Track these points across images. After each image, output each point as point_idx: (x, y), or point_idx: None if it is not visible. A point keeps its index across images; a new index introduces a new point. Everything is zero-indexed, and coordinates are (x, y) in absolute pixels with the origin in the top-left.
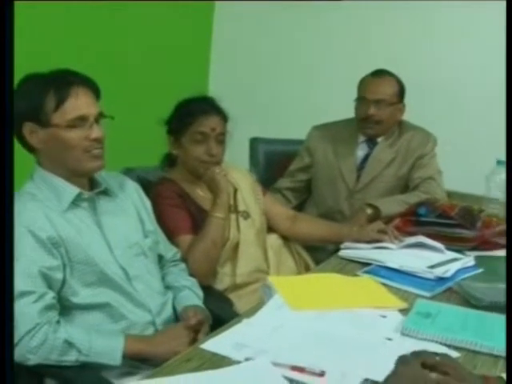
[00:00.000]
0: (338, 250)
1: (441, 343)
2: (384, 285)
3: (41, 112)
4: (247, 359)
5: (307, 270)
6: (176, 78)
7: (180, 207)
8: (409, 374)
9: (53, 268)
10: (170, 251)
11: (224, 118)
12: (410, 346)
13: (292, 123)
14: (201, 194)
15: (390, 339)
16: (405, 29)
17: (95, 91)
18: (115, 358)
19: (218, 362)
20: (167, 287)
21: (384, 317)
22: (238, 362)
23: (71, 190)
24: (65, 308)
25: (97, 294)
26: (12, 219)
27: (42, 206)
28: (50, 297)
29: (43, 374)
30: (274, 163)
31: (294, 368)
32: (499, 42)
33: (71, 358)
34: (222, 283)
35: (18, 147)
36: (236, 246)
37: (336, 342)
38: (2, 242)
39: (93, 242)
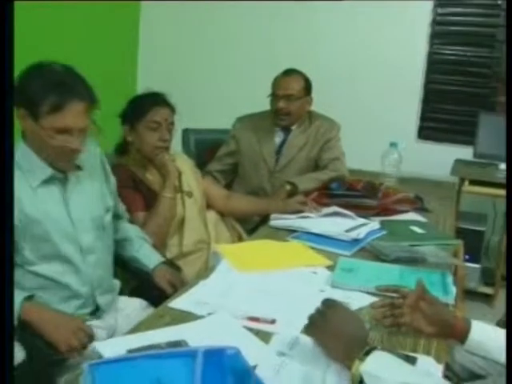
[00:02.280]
0: (262, 221)
1: (364, 291)
2: (310, 247)
3: (36, 108)
4: (209, 314)
5: (240, 239)
6: (107, 78)
7: (133, 188)
8: (340, 315)
9: None
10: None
11: (173, 110)
12: (339, 295)
13: (216, 115)
14: (150, 178)
15: (322, 291)
16: (311, 28)
17: (91, 103)
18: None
19: (186, 317)
20: (124, 239)
21: (315, 273)
22: (202, 317)
23: (45, 171)
24: (18, 273)
25: (48, 266)
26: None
27: (15, 181)
28: None
29: None
30: (203, 150)
31: (250, 319)
32: (394, 36)
33: None
34: (170, 252)
35: None
36: (182, 221)
37: (280, 296)
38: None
39: (56, 218)
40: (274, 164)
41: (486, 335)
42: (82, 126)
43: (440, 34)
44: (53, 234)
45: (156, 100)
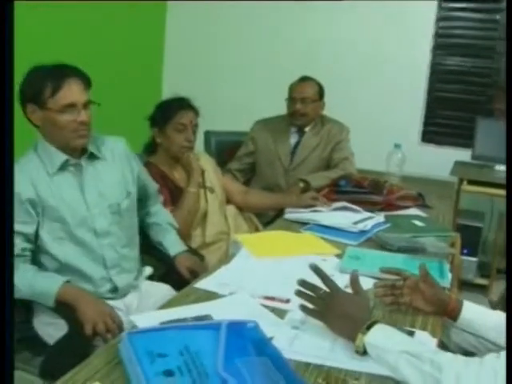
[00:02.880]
0: (276, 215)
1: (370, 277)
2: (321, 238)
3: (40, 97)
4: (231, 293)
5: (257, 231)
6: (133, 78)
7: (162, 185)
8: (341, 300)
9: (27, 222)
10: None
11: (197, 113)
12: (347, 280)
13: (234, 118)
14: (176, 175)
15: (332, 275)
16: (326, 36)
17: (86, 81)
18: (48, 300)
19: (210, 296)
20: (154, 223)
21: (325, 260)
22: (224, 296)
23: (60, 157)
24: (39, 254)
25: (63, 249)
26: (12, 218)
27: (32, 171)
28: (19, 248)
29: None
30: (223, 150)
31: (267, 298)
32: (401, 47)
33: (17, 296)
34: (194, 242)
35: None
36: (205, 214)
37: (293, 279)
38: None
39: (71, 203)
40: (289, 163)
41: (476, 314)
42: (83, 100)
43: (442, 45)
44: (67, 217)
45: (182, 104)
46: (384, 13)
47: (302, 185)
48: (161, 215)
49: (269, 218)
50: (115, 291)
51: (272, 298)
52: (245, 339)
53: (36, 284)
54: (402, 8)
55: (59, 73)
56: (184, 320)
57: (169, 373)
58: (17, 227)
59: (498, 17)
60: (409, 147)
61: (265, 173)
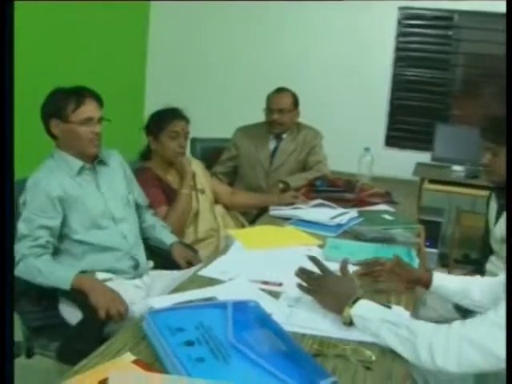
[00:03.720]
0: (258, 213)
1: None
2: (303, 231)
3: (63, 112)
4: (231, 279)
5: (243, 227)
6: (115, 78)
7: (157, 187)
8: (332, 280)
9: (51, 218)
10: (144, 202)
11: (188, 121)
12: (330, 265)
13: (217, 126)
14: (170, 178)
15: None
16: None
17: (100, 101)
18: (66, 284)
19: (212, 282)
20: (149, 226)
21: (310, 250)
22: (225, 282)
23: (78, 163)
24: (70, 242)
25: (90, 234)
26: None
27: (57, 174)
28: (43, 240)
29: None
30: (208, 156)
31: (263, 282)
32: (365, 60)
33: (39, 279)
34: (188, 239)
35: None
36: (196, 214)
37: (283, 266)
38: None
39: (92, 198)
40: (269, 166)
41: (445, 282)
42: (98, 115)
43: (402, 58)
44: (91, 209)
45: (174, 114)
46: (351, 29)
47: (281, 186)
48: (153, 219)
49: (252, 216)
50: (137, 267)
51: (266, 283)
52: (248, 315)
53: (56, 271)
54: (366, 25)
55: (79, 93)
56: (194, 301)
57: (189, 343)
58: (44, 221)
59: (450, 33)
60: (376, 151)
61: (247, 175)
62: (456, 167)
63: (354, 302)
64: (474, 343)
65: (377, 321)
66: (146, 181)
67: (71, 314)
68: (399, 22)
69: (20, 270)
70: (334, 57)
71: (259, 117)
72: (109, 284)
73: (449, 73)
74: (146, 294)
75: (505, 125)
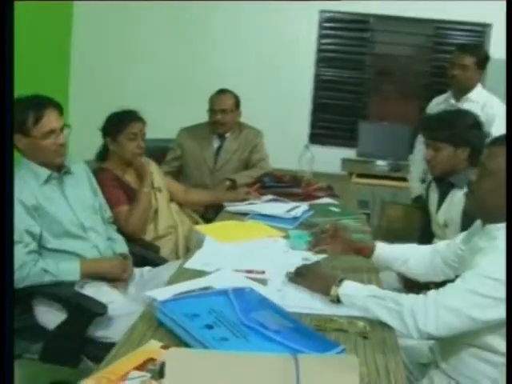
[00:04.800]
0: (205, 211)
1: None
2: (264, 224)
3: (24, 127)
4: (217, 270)
5: (197, 224)
6: (37, 80)
7: (117, 187)
8: (317, 267)
9: (32, 225)
10: (107, 213)
11: (144, 123)
12: (297, 253)
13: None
14: (128, 178)
15: (286, 251)
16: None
17: (60, 109)
18: (75, 276)
19: (200, 273)
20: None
21: (276, 241)
22: (212, 272)
23: (45, 172)
24: (44, 251)
25: (62, 242)
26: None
27: (27, 183)
28: (33, 245)
29: (35, 293)
30: (151, 156)
31: (247, 271)
32: (290, 62)
33: (47, 279)
34: (149, 236)
35: None
36: (155, 211)
37: (259, 256)
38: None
39: (60, 207)
40: (214, 165)
41: (386, 250)
42: (60, 125)
43: (323, 59)
44: (61, 217)
45: (132, 116)
46: (275, 32)
47: (228, 183)
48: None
49: (200, 214)
50: None
51: (251, 271)
52: (249, 299)
53: (60, 267)
54: (289, 27)
55: (38, 104)
56: (193, 291)
57: (209, 326)
58: (28, 228)
59: (366, 35)
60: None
61: (192, 174)
62: (379, 162)
63: (340, 281)
64: (449, 308)
65: (363, 297)
66: (106, 181)
67: (47, 317)
68: (320, 25)
69: (21, 276)
70: (259, 57)
71: (198, 116)
72: (86, 287)
73: (365, 73)
74: (122, 293)
75: (443, 123)
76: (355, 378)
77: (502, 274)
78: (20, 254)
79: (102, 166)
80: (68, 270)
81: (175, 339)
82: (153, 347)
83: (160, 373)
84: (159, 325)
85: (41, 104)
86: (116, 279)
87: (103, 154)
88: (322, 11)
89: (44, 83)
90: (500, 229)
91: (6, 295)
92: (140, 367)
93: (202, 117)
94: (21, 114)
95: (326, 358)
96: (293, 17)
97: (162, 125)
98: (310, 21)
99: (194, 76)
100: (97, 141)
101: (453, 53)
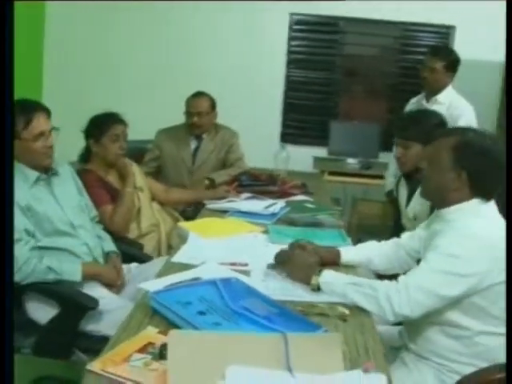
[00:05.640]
0: (183, 210)
1: None
2: (244, 221)
3: (14, 129)
4: (202, 263)
5: (178, 221)
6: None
7: (100, 187)
8: (298, 255)
9: (27, 224)
10: (92, 212)
11: (126, 125)
12: (278, 247)
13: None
14: (111, 179)
15: (267, 245)
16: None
17: (47, 112)
18: (77, 277)
19: (187, 266)
20: None
21: (256, 236)
22: (198, 265)
23: (33, 174)
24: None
25: (52, 240)
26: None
27: (18, 185)
28: (32, 242)
29: (26, 289)
30: (129, 157)
31: (231, 264)
32: (262, 63)
33: (51, 277)
34: (132, 234)
35: None
36: (138, 210)
37: (241, 250)
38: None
39: (50, 206)
40: (192, 165)
41: (349, 256)
42: (49, 128)
43: (294, 61)
44: (51, 216)
45: (114, 118)
46: (247, 34)
47: (207, 182)
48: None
49: (179, 212)
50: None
51: (234, 264)
52: (236, 288)
53: (63, 267)
54: (260, 31)
55: (27, 107)
56: (183, 282)
57: (201, 313)
58: (26, 227)
59: (335, 37)
60: (273, 147)
61: (170, 174)
62: (350, 160)
63: (320, 271)
64: (418, 289)
65: (342, 284)
66: (90, 182)
67: (38, 312)
68: (290, 27)
69: (26, 273)
70: (233, 60)
71: (173, 117)
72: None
73: (334, 73)
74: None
75: (411, 122)
76: (339, 352)
77: (460, 251)
78: (23, 250)
79: (85, 168)
80: (69, 271)
81: (170, 325)
82: (151, 333)
83: (160, 354)
84: (154, 313)
85: (30, 107)
86: (110, 285)
87: (86, 156)
88: (292, 14)
89: (16, 84)
90: (453, 212)
91: (5, 295)
92: (141, 350)
93: (179, 118)
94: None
95: (312, 336)
96: (264, 20)
97: (139, 126)
98: (280, 23)
99: (169, 78)
100: (72, 142)
101: (425, 56)
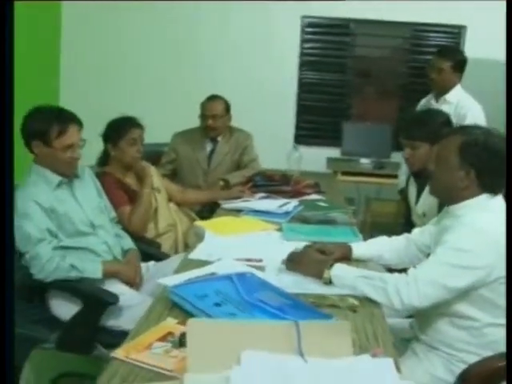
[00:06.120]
0: (201, 209)
1: (307, 241)
2: (258, 219)
3: (46, 136)
4: (218, 259)
5: (194, 221)
6: (28, 82)
7: (118, 189)
8: (310, 254)
9: (50, 225)
10: (111, 214)
11: (143, 128)
12: (292, 243)
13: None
14: (129, 181)
15: (281, 242)
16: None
17: (80, 125)
18: (97, 274)
19: (204, 263)
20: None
21: (270, 234)
22: (214, 262)
23: (56, 178)
24: (59, 250)
25: (74, 241)
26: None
27: (41, 188)
28: (55, 242)
29: (50, 287)
30: (148, 159)
31: (246, 260)
32: (276, 67)
33: (74, 274)
34: (150, 234)
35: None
36: (155, 211)
37: (256, 246)
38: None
39: (72, 208)
40: (207, 167)
41: (360, 252)
42: (79, 140)
43: (306, 63)
44: (73, 218)
45: (132, 123)
46: (261, 39)
47: (222, 183)
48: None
49: (195, 212)
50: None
51: (250, 260)
52: (250, 282)
53: (85, 265)
54: (273, 34)
55: (62, 117)
56: (201, 277)
57: (217, 304)
58: (49, 227)
59: (346, 39)
60: (287, 148)
61: (186, 176)
62: (363, 160)
63: (331, 265)
64: (427, 281)
65: (352, 277)
66: (109, 184)
67: (61, 309)
68: (302, 30)
69: (49, 271)
70: (247, 63)
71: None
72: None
73: (346, 75)
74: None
75: (418, 122)
76: (348, 339)
77: (468, 245)
78: (46, 249)
79: (104, 170)
80: (91, 270)
81: (188, 316)
82: (170, 323)
83: (180, 342)
84: (173, 306)
85: (66, 118)
86: (130, 282)
87: (104, 159)
88: (304, 17)
89: (34, 87)
90: (461, 207)
91: (5, 294)
92: (161, 339)
93: (194, 122)
94: (45, 123)
95: (322, 324)
96: (276, 23)
97: (155, 130)
98: (292, 26)
99: (184, 83)
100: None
101: (432, 56)
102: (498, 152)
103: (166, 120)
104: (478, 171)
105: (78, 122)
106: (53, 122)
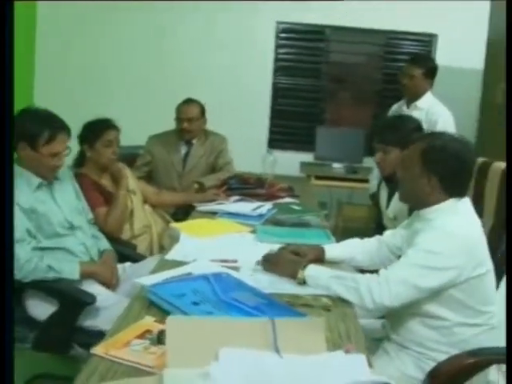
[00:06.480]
0: (175, 212)
1: (279, 243)
2: (233, 222)
3: (35, 141)
4: (194, 260)
5: (169, 223)
6: None
7: (94, 190)
8: (285, 255)
9: (29, 226)
10: (88, 215)
11: (119, 130)
12: (265, 245)
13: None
14: (104, 182)
15: (255, 244)
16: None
17: (69, 133)
18: (75, 275)
19: (180, 263)
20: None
21: (244, 236)
22: (190, 262)
23: (36, 180)
24: (37, 250)
25: (52, 242)
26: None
27: (21, 189)
28: (34, 242)
29: (27, 287)
30: (123, 161)
31: (221, 261)
32: (250, 71)
33: (51, 275)
34: (125, 235)
35: None
36: (131, 212)
37: (231, 247)
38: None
39: (50, 209)
40: (182, 169)
41: (332, 254)
42: (65, 148)
43: (281, 68)
44: (52, 219)
45: (108, 124)
46: (235, 44)
47: (196, 186)
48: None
49: (169, 214)
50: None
51: (225, 261)
52: (226, 282)
53: (62, 266)
54: (248, 39)
55: (53, 125)
56: (177, 277)
57: (195, 303)
58: (28, 227)
59: (321, 45)
60: (261, 152)
61: (161, 178)
62: (336, 164)
63: (305, 266)
64: (398, 281)
65: (326, 277)
66: (85, 185)
67: (38, 309)
68: (277, 36)
69: (27, 271)
70: (221, 68)
71: (150, 124)
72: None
73: (320, 80)
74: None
75: (391, 127)
76: (322, 336)
77: (439, 247)
78: (25, 250)
79: (79, 172)
80: (68, 270)
81: (166, 315)
82: (148, 321)
83: (158, 340)
84: (150, 305)
85: (56, 125)
86: (106, 283)
87: (80, 160)
88: (279, 22)
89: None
90: (432, 211)
91: (5, 294)
92: (140, 336)
93: (169, 125)
94: (35, 128)
95: (297, 321)
96: (251, 28)
97: (131, 132)
98: (267, 32)
99: (159, 86)
100: None
101: (405, 64)
102: (458, 156)
103: (141, 123)
104: (440, 177)
105: (67, 130)
106: (44, 127)
